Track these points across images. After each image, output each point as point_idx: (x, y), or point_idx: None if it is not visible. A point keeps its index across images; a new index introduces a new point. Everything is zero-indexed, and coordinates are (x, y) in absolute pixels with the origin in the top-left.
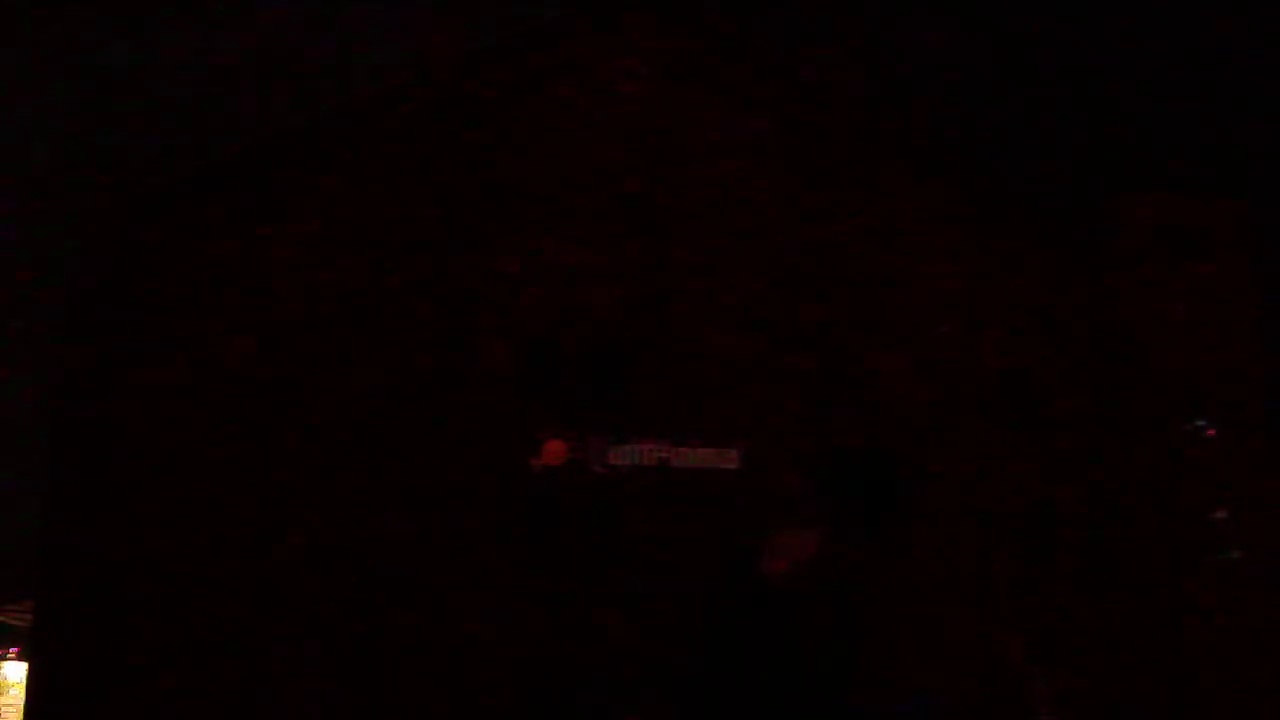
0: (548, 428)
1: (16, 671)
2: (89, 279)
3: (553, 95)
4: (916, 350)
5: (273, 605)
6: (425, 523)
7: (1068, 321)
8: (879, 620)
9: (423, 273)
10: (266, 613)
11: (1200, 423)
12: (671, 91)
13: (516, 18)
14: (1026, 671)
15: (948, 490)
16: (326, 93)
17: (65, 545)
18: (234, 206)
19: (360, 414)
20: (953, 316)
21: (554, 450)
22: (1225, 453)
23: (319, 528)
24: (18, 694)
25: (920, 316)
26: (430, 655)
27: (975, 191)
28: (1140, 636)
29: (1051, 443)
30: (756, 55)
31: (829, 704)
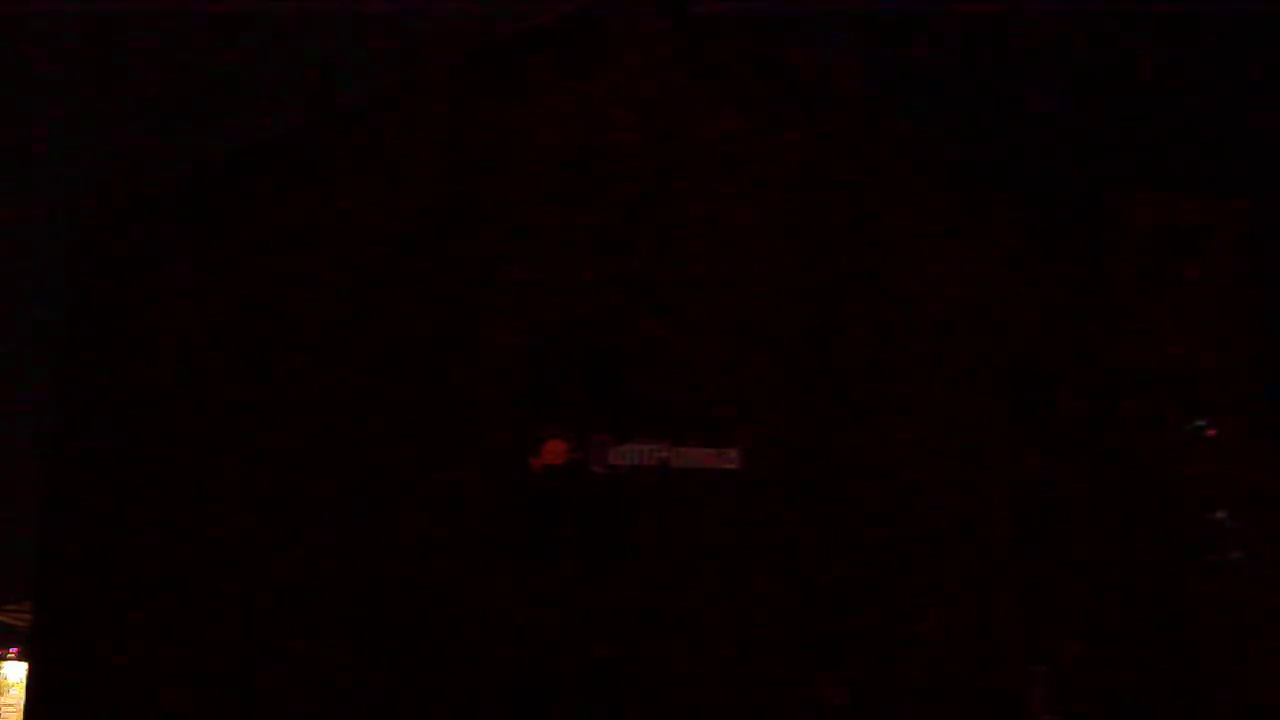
0: (548, 428)
1: (16, 671)
2: (89, 279)
3: (554, 97)
4: (916, 350)
5: (272, 605)
6: (425, 522)
7: (1068, 320)
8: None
9: (424, 273)
10: (265, 612)
11: (1200, 423)
12: (672, 94)
13: (518, 20)
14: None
15: (948, 490)
16: (327, 93)
17: (65, 545)
18: (234, 207)
19: (361, 414)
20: (963, 324)
21: (554, 450)
22: (1225, 453)
23: (319, 528)
24: (18, 694)
25: (921, 316)
26: (430, 654)
27: (975, 191)
28: (1140, 636)
29: (1052, 442)
30: (758, 58)
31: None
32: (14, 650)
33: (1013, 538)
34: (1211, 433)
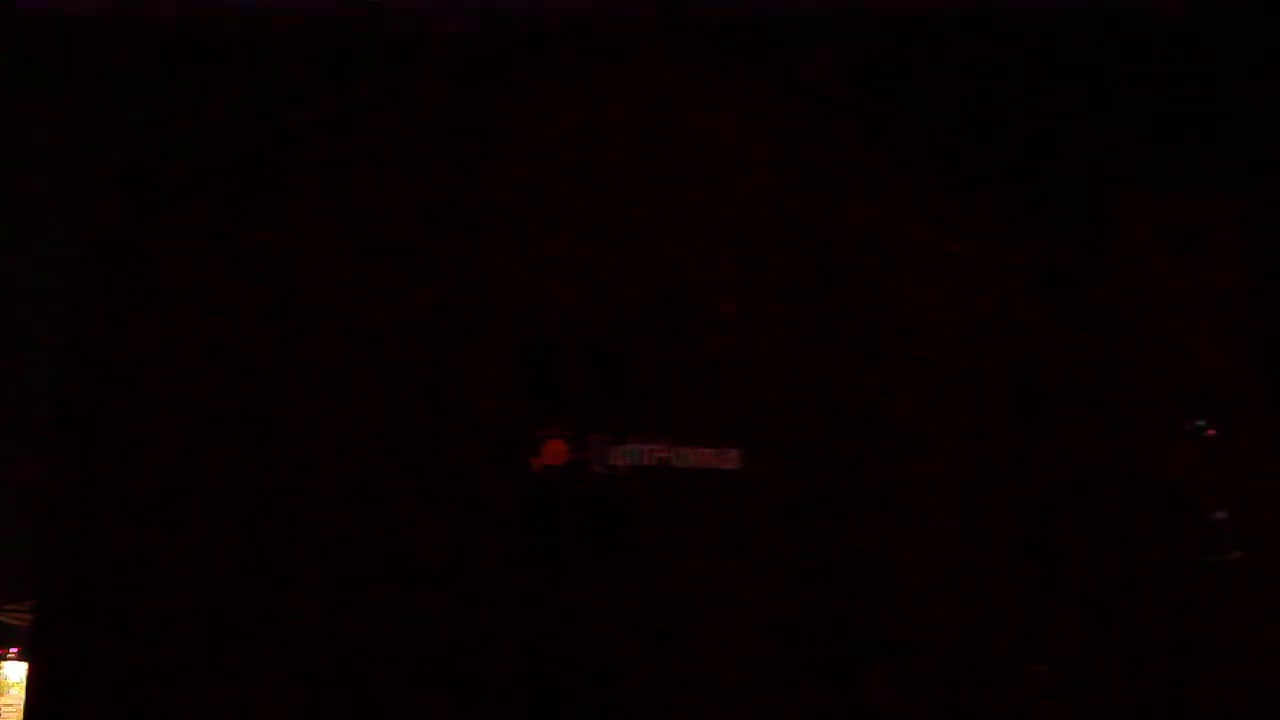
0: (548, 428)
1: (16, 671)
2: (90, 279)
3: (553, 96)
4: (916, 350)
5: (271, 605)
6: (425, 522)
7: (1068, 321)
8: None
9: (423, 272)
10: (265, 612)
11: (1200, 423)
12: (672, 94)
13: (519, 20)
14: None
15: (948, 489)
16: (327, 92)
17: (65, 545)
18: (233, 207)
19: (360, 414)
20: (965, 321)
21: (554, 450)
22: (1225, 453)
23: (318, 528)
24: (18, 694)
25: (921, 315)
26: (430, 654)
27: (976, 191)
28: (1140, 636)
29: (1052, 442)
30: (758, 58)
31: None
32: (14, 650)
33: (1013, 537)
34: (1211, 433)
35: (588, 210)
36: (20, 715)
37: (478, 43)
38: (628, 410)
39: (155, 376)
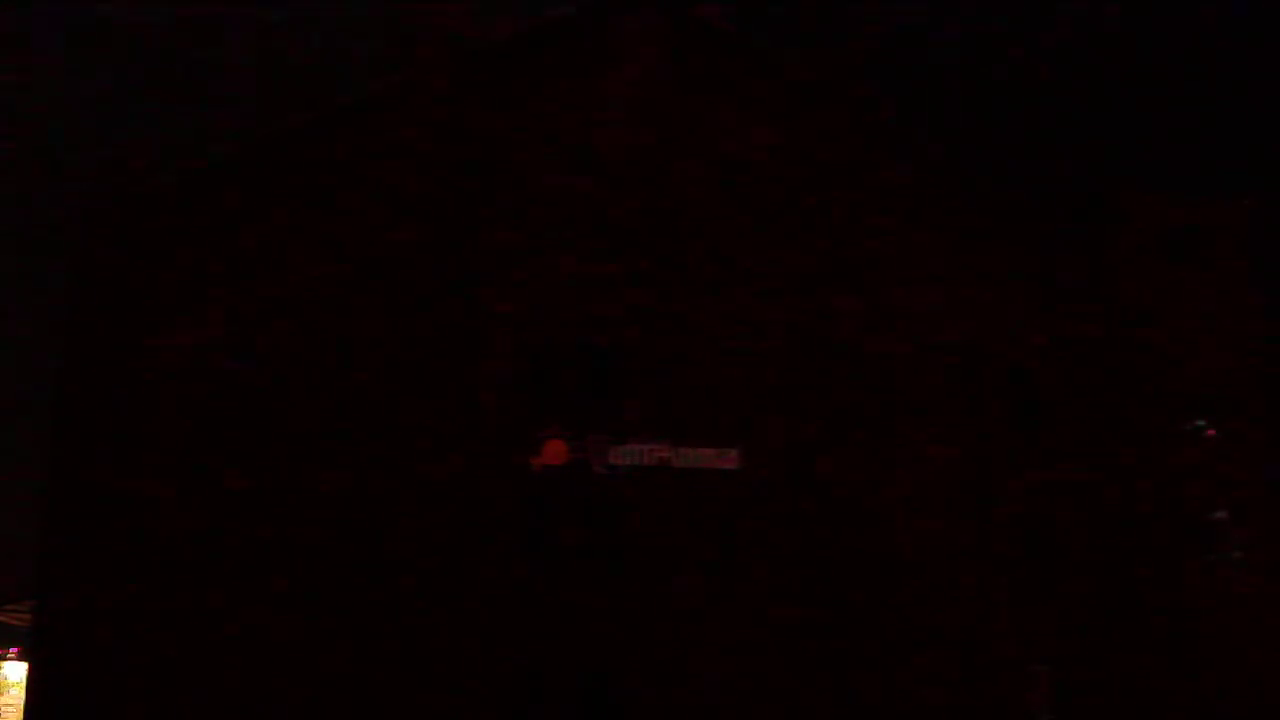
0: (548, 428)
1: (16, 671)
2: (90, 279)
3: (554, 98)
4: (916, 350)
5: (271, 605)
6: (425, 522)
7: (1068, 321)
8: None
9: (424, 273)
10: (265, 611)
11: (1200, 423)
12: (672, 96)
13: (519, 19)
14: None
15: (948, 490)
16: (327, 93)
17: (65, 545)
18: (234, 207)
19: (360, 414)
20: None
21: (554, 450)
22: (1225, 453)
23: (318, 528)
24: (18, 694)
25: (921, 316)
26: (430, 653)
27: (976, 192)
28: (1141, 636)
29: (1052, 442)
30: (758, 59)
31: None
32: (14, 650)
33: (1013, 538)
34: (1211, 433)
35: (588, 210)
36: (20, 715)
37: (478, 43)
38: (628, 410)
39: (155, 377)
